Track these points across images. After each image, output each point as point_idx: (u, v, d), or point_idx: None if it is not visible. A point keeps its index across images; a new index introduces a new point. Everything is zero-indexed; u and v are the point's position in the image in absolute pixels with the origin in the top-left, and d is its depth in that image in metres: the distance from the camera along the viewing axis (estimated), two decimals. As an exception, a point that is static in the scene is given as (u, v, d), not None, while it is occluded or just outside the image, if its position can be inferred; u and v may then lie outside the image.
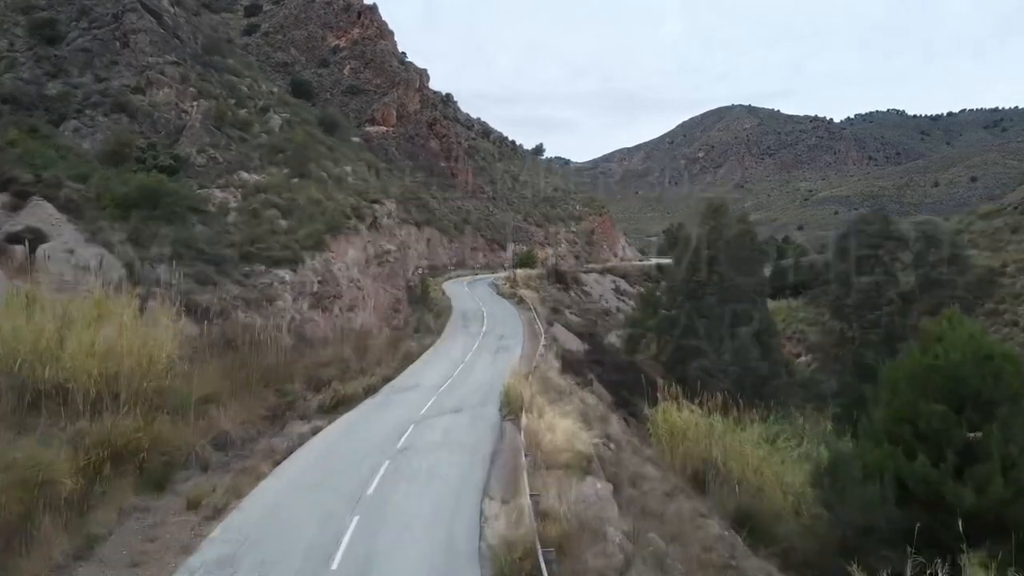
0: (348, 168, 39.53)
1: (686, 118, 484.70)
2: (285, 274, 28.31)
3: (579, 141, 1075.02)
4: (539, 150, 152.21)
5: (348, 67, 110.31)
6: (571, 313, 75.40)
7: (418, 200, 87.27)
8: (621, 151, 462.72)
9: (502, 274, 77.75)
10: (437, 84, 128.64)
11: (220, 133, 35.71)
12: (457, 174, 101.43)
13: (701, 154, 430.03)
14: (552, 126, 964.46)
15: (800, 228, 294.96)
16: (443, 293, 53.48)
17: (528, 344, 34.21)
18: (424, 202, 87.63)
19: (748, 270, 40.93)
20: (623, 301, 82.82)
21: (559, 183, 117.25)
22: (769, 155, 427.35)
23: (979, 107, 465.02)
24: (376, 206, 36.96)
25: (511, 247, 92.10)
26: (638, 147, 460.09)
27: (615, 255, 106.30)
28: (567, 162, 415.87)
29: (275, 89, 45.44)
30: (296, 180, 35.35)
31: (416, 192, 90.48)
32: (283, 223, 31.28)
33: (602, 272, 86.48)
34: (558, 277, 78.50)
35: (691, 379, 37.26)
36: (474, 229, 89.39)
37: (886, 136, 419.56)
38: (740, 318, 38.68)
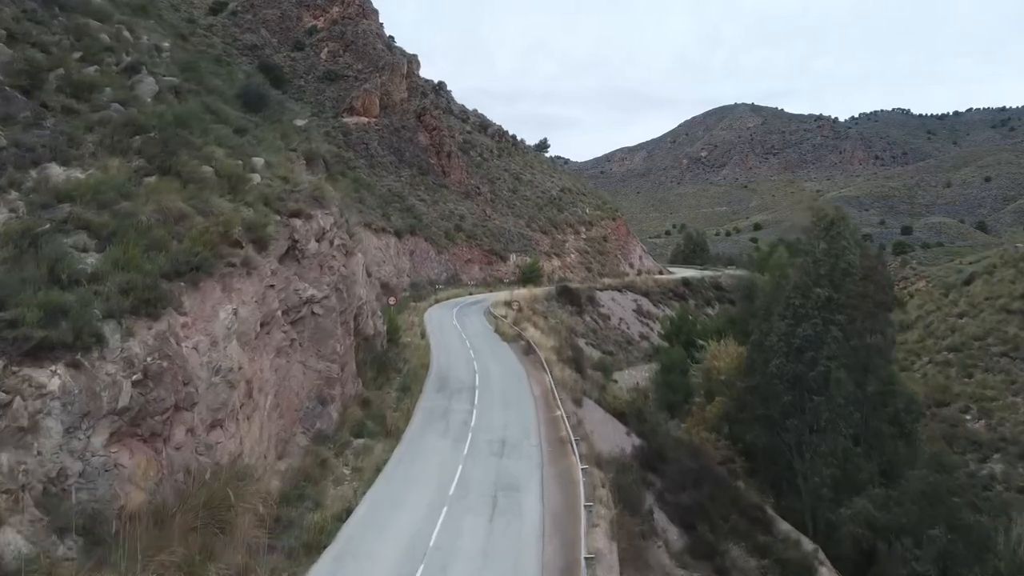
0: (259, 160, 24.36)
1: (688, 117, 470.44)
2: (51, 375, 13.22)
3: (580, 140, 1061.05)
4: (543, 145, 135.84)
5: (326, 50, 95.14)
6: (587, 343, 60.44)
7: (402, 203, 72.34)
8: (622, 150, 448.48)
9: (502, 295, 62.74)
10: (437, 80, 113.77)
11: (21, 99, 20.59)
12: (449, 172, 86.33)
13: (704, 153, 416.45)
14: (553, 125, 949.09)
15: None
16: (421, 335, 38.36)
17: (550, 467, 19.20)
18: (410, 206, 72.68)
19: (878, 323, 26.08)
20: (647, 325, 67.99)
21: (567, 183, 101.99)
22: (773, 154, 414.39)
23: (986, 106, 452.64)
24: (297, 222, 21.91)
25: (513, 258, 77.03)
26: (639, 146, 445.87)
27: (631, 266, 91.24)
28: (566, 161, 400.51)
29: (167, 44, 30.21)
30: (151, 180, 20.24)
31: (401, 193, 75.49)
32: (90, 260, 16.21)
33: (621, 289, 71.50)
34: (570, 297, 63.61)
35: (816, 516, 22.28)
36: (468, 237, 74.33)
37: (892, 135, 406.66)
38: (879, 404, 23.83)
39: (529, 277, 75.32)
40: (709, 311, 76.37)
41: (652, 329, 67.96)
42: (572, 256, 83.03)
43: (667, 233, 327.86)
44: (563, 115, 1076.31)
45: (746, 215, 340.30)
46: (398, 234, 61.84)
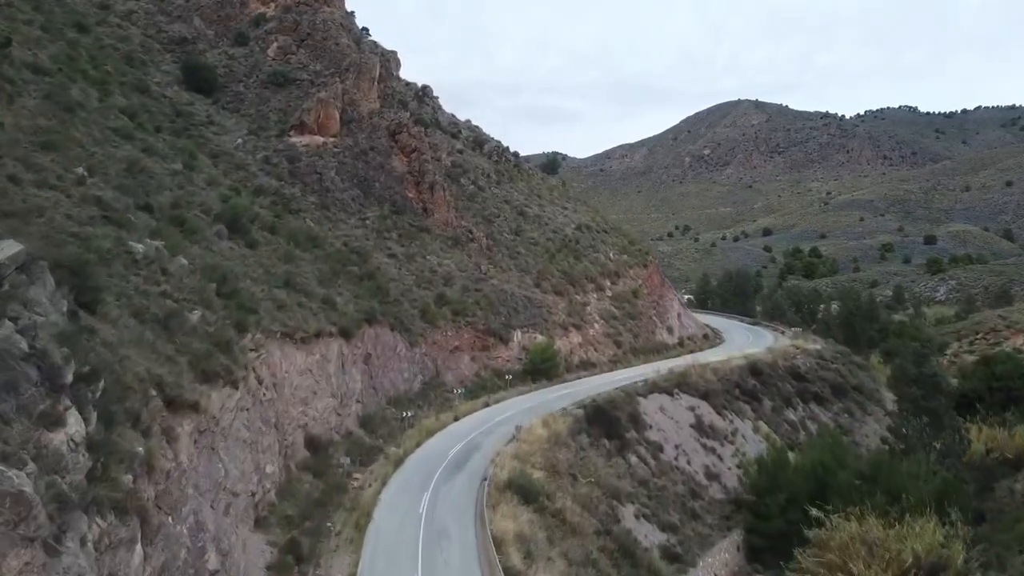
0: None
1: (691, 112, 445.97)
2: None
3: (580, 136, 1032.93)
4: (553, 165, 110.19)
5: (275, 45, 71.49)
6: (638, 512, 37.73)
7: (363, 266, 49.29)
8: (623, 147, 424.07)
9: (504, 416, 40.04)
10: (437, 76, 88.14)
11: None
12: (433, 210, 63.15)
13: (707, 151, 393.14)
14: (553, 118, 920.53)
15: (823, 236, 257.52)
16: None
17: None
18: (372, 270, 49.57)
19: None
20: (713, 452, 45.54)
21: (584, 218, 78.44)
22: (778, 153, 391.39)
23: (995, 104, 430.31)
24: None
25: (517, 337, 54.18)
26: (640, 143, 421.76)
27: (669, 331, 68.47)
28: (564, 157, 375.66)
29: None
30: None
31: (362, 249, 52.44)
32: None
33: (671, 392, 48.71)
34: (606, 425, 41.01)
35: None
36: (455, 313, 51.35)
37: (900, 134, 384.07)
38: None
39: (540, 367, 52.65)
40: (790, 414, 53.83)
41: (721, 458, 45.43)
42: (596, 326, 60.17)
43: (669, 235, 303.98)
44: (563, 108, 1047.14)
45: (752, 217, 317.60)
46: (346, 333, 38.95)
